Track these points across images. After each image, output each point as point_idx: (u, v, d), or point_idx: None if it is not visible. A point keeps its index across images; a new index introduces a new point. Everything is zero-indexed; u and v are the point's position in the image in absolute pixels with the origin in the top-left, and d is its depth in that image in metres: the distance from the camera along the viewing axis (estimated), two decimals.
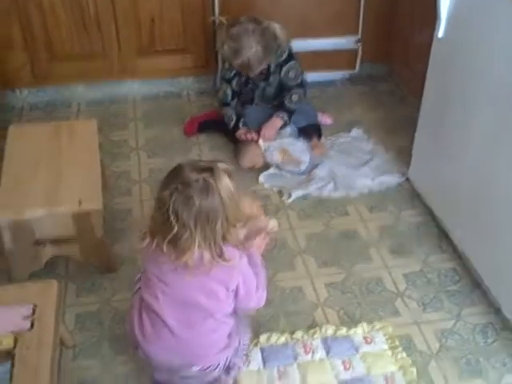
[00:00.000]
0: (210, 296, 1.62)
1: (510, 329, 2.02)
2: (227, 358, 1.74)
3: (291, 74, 2.81)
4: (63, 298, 2.08)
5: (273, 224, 1.90)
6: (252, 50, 2.62)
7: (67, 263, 2.26)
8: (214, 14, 3.07)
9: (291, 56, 2.81)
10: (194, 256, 1.53)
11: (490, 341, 2.02)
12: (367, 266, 2.31)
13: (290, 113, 2.84)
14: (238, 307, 1.72)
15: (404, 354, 1.95)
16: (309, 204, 2.60)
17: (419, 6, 2.95)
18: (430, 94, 2.40)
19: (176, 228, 1.50)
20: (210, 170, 1.53)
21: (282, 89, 2.86)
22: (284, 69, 2.80)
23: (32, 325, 1.63)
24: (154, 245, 1.57)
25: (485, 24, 1.97)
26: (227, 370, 1.78)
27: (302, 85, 2.86)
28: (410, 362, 1.93)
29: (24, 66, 3.11)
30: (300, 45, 3.15)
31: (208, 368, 1.70)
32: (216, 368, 1.72)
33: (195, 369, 1.69)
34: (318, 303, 2.14)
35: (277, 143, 2.78)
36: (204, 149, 2.94)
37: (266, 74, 2.82)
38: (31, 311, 1.66)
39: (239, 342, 1.78)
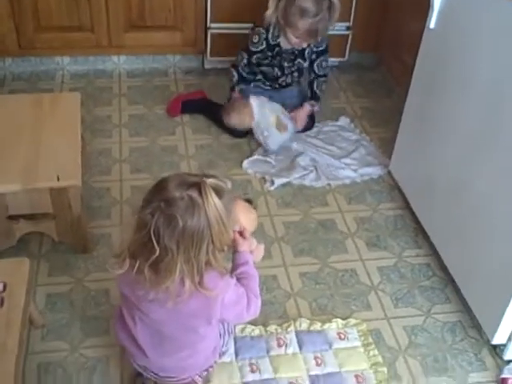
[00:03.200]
0: (187, 330, 1.57)
1: (478, 328, 2.05)
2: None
3: (324, 64, 2.86)
4: (35, 276, 2.06)
5: (258, 250, 1.79)
6: (322, 13, 2.57)
7: (41, 241, 2.24)
8: None
9: (328, 48, 2.85)
10: (175, 281, 1.41)
11: (458, 339, 2.04)
12: (343, 258, 2.31)
13: (319, 100, 2.93)
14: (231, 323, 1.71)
15: (376, 352, 1.96)
16: (289, 192, 2.60)
17: None
18: (417, 86, 2.40)
19: (158, 250, 1.37)
20: (197, 185, 1.39)
21: (301, 75, 2.92)
22: (320, 59, 2.84)
23: (1, 302, 1.62)
24: (135, 269, 1.44)
25: (477, 17, 1.96)
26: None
27: (328, 75, 2.94)
28: (382, 360, 1.94)
29: (9, 34, 3.04)
30: None
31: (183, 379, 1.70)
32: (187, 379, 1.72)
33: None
34: (292, 293, 2.15)
35: (270, 106, 2.78)
36: (188, 130, 2.91)
37: (295, 55, 2.81)
38: (1, 289, 1.65)
39: (220, 349, 1.77)
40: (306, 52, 2.80)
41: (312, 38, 2.67)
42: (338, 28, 3.24)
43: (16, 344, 1.54)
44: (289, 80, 2.92)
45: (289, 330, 2.00)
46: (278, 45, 2.76)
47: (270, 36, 2.74)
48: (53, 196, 2.02)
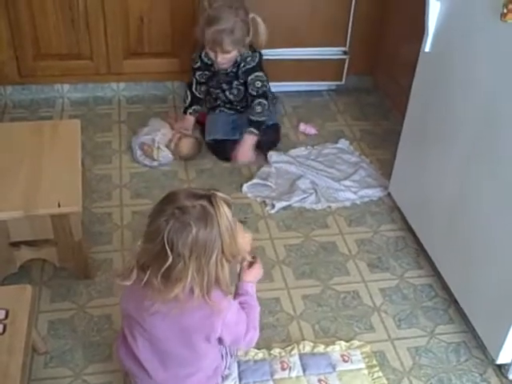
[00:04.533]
0: (187, 346, 1.57)
1: (483, 347, 2.04)
2: None
3: (258, 84, 2.78)
4: (37, 303, 2.06)
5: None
6: (229, 23, 2.59)
7: (42, 267, 2.24)
8: None
9: (260, 66, 2.79)
10: (185, 289, 1.44)
11: (462, 359, 2.03)
12: (344, 280, 2.31)
13: (259, 125, 2.82)
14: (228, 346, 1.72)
15: (380, 374, 1.95)
16: (289, 215, 2.60)
17: (407, 20, 2.97)
18: (414, 109, 2.42)
19: (171, 258, 1.39)
20: (207, 197, 1.44)
21: (246, 96, 2.86)
22: (250, 77, 2.77)
23: (4, 329, 1.61)
24: (144, 281, 1.46)
25: (471, 39, 1.99)
26: None
27: (266, 96, 2.82)
28: (387, 382, 1.93)
29: (9, 62, 3.08)
30: (288, 53, 3.19)
31: None
32: None
33: None
34: (294, 316, 2.14)
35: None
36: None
37: (230, 77, 2.81)
38: (4, 315, 1.64)
39: (222, 371, 1.78)
40: (240, 72, 2.78)
41: (218, 46, 2.64)
42: (335, 52, 3.30)
43: (19, 370, 1.53)
44: (244, 103, 2.90)
45: (292, 353, 1.99)
46: (213, 65, 2.80)
47: (203, 54, 2.80)
48: (54, 222, 2.02)
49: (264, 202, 2.67)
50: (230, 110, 2.95)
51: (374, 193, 2.74)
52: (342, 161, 2.93)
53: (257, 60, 2.77)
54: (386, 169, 2.81)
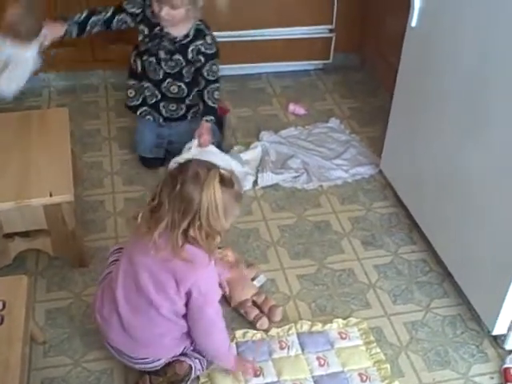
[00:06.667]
0: (158, 287, 1.67)
1: (478, 319, 2.06)
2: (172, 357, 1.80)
3: (214, 68, 2.60)
4: (33, 293, 2.05)
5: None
6: None
7: (37, 257, 2.24)
8: None
9: (218, 53, 2.62)
10: (160, 235, 1.60)
11: (458, 332, 2.05)
12: (339, 258, 2.32)
13: (215, 112, 2.65)
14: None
15: (378, 349, 1.96)
16: (281, 196, 2.61)
17: None
18: (403, 85, 2.42)
19: (154, 203, 1.60)
20: (209, 169, 1.60)
21: (196, 80, 2.65)
22: (210, 62, 2.58)
23: (2, 320, 1.62)
24: (138, 222, 1.65)
25: (458, 13, 1.98)
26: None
27: (219, 80, 2.66)
28: (384, 357, 1.95)
29: None
30: (274, 33, 3.18)
31: (150, 360, 1.76)
32: (158, 361, 1.76)
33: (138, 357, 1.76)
34: (291, 296, 2.16)
35: None
36: None
37: (176, 48, 2.57)
38: (1, 307, 1.65)
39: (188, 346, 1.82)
40: (190, 49, 2.56)
41: (168, 3, 2.36)
42: (321, 31, 3.28)
43: (18, 361, 1.53)
44: (174, 89, 2.65)
45: (290, 332, 2.01)
46: (159, 24, 2.51)
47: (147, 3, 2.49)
48: (46, 212, 2.02)
49: (255, 181, 2.67)
50: (157, 113, 2.72)
51: (366, 170, 2.74)
52: (333, 140, 2.93)
53: (217, 45, 2.61)
54: (376, 146, 2.81)
